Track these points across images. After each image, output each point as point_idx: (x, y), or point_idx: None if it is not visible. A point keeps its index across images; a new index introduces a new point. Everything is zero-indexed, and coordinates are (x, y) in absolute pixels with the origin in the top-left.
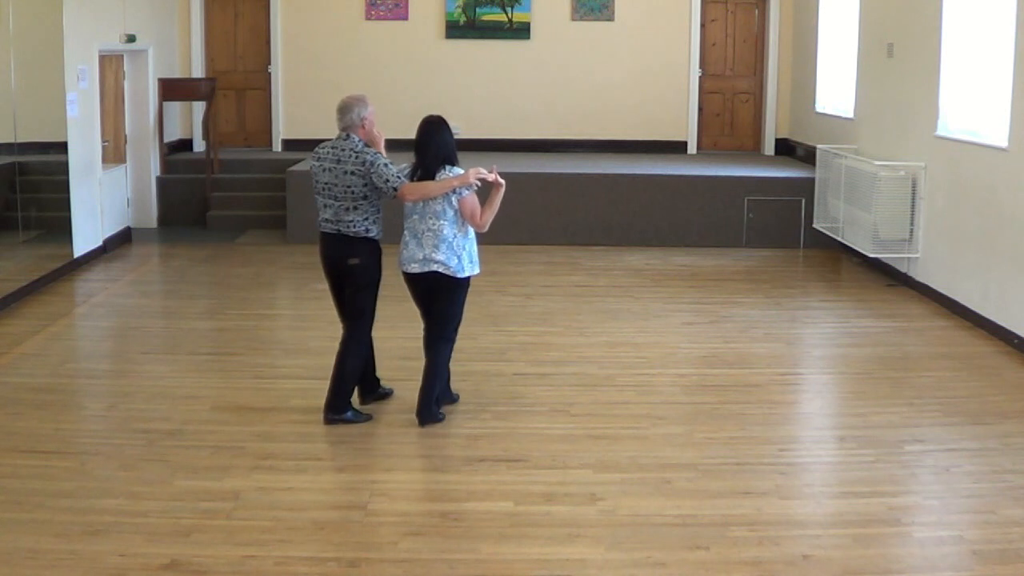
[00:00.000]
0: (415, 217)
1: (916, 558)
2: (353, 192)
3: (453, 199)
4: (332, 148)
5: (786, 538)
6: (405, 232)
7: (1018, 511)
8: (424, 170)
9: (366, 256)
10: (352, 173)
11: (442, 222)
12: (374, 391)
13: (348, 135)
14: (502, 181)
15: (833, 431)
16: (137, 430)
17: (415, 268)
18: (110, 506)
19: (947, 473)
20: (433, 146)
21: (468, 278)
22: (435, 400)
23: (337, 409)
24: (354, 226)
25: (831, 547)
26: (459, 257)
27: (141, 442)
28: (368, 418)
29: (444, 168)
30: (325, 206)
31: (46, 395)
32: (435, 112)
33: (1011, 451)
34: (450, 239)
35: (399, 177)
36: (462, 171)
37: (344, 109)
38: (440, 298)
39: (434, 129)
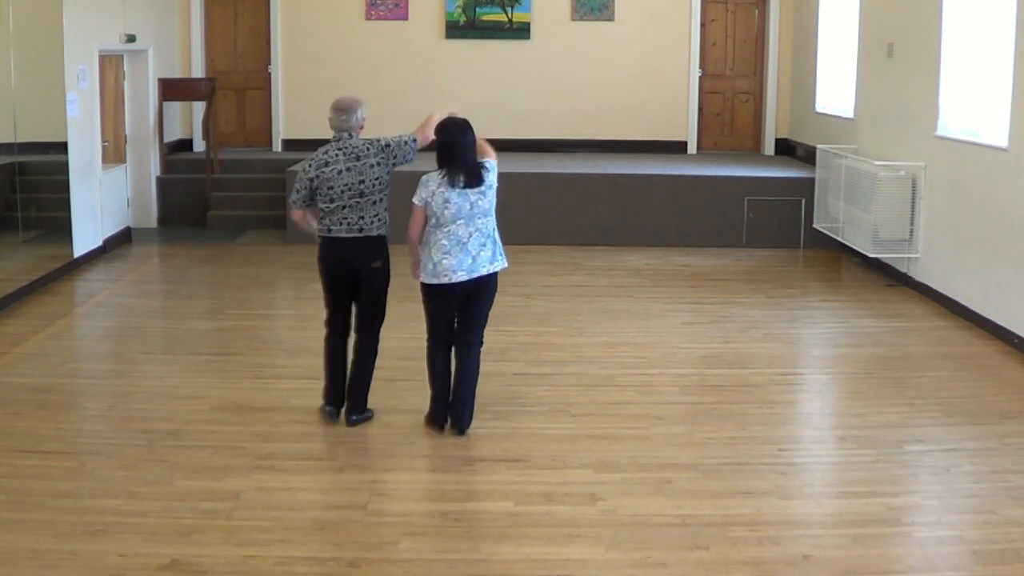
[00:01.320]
0: (459, 222)
1: (916, 558)
2: (380, 183)
3: (495, 189)
4: (340, 150)
5: (786, 538)
6: (442, 242)
7: (1018, 511)
8: (451, 174)
9: (385, 258)
10: (377, 164)
11: (488, 219)
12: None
13: (350, 134)
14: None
15: (833, 431)
16: (137, 430)
17: (462, 276)
18: (110, 506)
19: (947, 473)
20: (461, 147)
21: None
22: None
23: (361, 408)
24: (378, 219)
25: (831, 547)
26: (496, 250)
27: (141, 442)
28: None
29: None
30: (345, 207)
31: (46, 395)
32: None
33: (1011, 451)
34: (491, 233)
35: (409, 134)
36: (492, 162)
37: (346, 110)
38: (483, 299)
39: (459, 131)
